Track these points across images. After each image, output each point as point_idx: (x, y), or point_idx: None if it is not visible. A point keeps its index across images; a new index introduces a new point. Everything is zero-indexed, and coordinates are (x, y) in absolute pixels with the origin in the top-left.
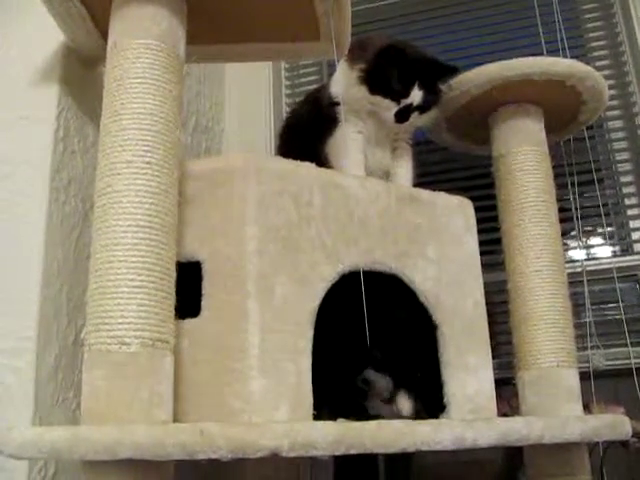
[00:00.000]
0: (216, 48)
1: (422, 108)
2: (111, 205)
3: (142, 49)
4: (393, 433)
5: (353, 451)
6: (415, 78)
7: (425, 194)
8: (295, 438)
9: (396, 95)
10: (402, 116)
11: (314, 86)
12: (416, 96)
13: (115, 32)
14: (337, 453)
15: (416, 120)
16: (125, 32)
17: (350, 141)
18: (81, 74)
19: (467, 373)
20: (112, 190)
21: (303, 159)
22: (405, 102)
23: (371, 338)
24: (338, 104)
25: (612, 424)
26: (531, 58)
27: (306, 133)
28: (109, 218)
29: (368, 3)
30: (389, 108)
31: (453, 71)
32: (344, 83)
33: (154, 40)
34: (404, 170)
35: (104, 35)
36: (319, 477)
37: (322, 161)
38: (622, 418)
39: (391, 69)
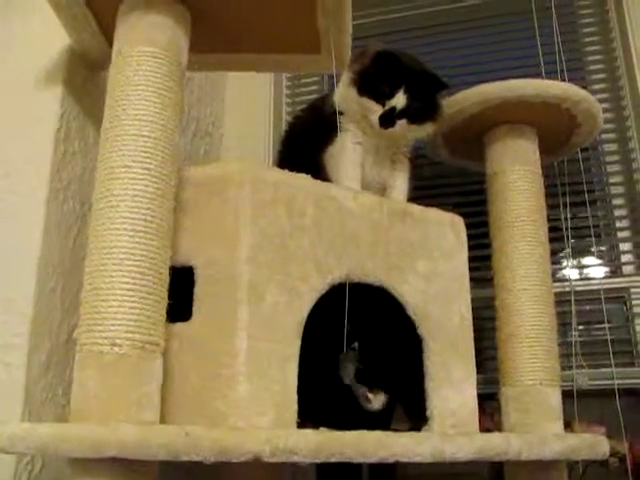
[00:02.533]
0: (218, 57)
1: (409, 115)
2: (108, 209)
3: (146, 57)
4: (373, 443)
5: (333, 459)
6: (402, 83)
7: (417, 209)
8: (277, 444)
9: (381, 97)
10: (386, 120)
11: (314, 95)
12: (400, 100)
13: (120, 39)
14: (317, 461)
15: (407, 129)
16: (130, 39)
17: (348, 152)
18: (84, 77)
19: (451, 387)
20: (110, 194)
21: (302, 166)
22: (389, 104)
23: (358, 349)
24: (339, 113)
25: (590, 444)
26: (527, 80)
27: (307, 141)
28: (106, 221)
29: (367, 18)
30: (375, 111)
31: (442, 86)
32: (341, 87)
33: (158, 48)
34: (400, 183)
35: (109, 39)
36: None
37: (320, 170)
38: (600, 438)
39: (381, 72)
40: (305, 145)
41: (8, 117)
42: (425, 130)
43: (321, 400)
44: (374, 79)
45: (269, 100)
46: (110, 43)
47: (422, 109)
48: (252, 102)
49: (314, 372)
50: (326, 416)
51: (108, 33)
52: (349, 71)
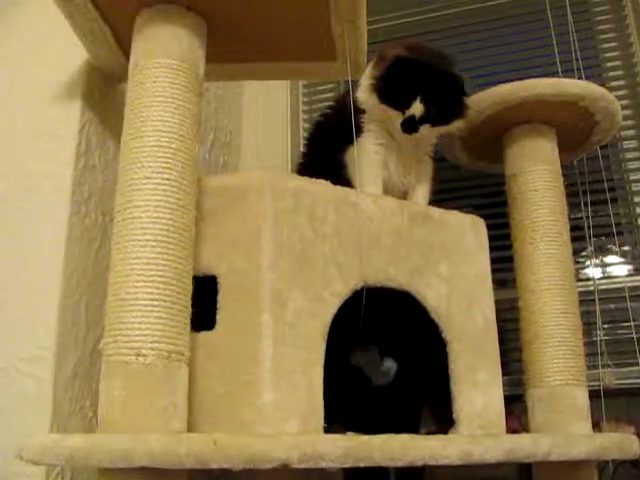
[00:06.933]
0: (234, 67)
1: (430, 120)
2: (130, 220)
3: (163, 68)
4: (401, 447)
5: (362, 464)
6: (418, 91)
7: (438, 212)
8: (304, 450)
9: (399, 105)
10: (408, 127)
11: (331, 102)
12: (417, 109)
13: (137, 51)
14: (346, 465)
15: (433, 132)
16: (147, 51)
17: (370, 153)
18: (103, 90)
19: (476, 389)
20: (132, 205)
21: (325, 166)
22: (408, 113)
23: (383, 352)
24: (362, 111)
25: (620, 443)
26: (544, 79)
27: (329, 140)
28: (128, 232)
29: (382, 22)
30: (396, 118)
31: (461, 92)
32: (364, 90)
33: (175, 60)
34: (422, 186)
35: (126, 53)
36: None
37: (342, 169)
38: (631, 437)
39: (398, 80)
40: (328, 144)
41: (29, 132)
42: (453, 127)
43: (347, 404)
44: (392, 87)
45: (286, 108)
46: (127, 56)
47: (443, 112)
48: (269, 111)
49: (339, 376)
50: (352, 420)
51: (125, 46)
52: (370, 74)
